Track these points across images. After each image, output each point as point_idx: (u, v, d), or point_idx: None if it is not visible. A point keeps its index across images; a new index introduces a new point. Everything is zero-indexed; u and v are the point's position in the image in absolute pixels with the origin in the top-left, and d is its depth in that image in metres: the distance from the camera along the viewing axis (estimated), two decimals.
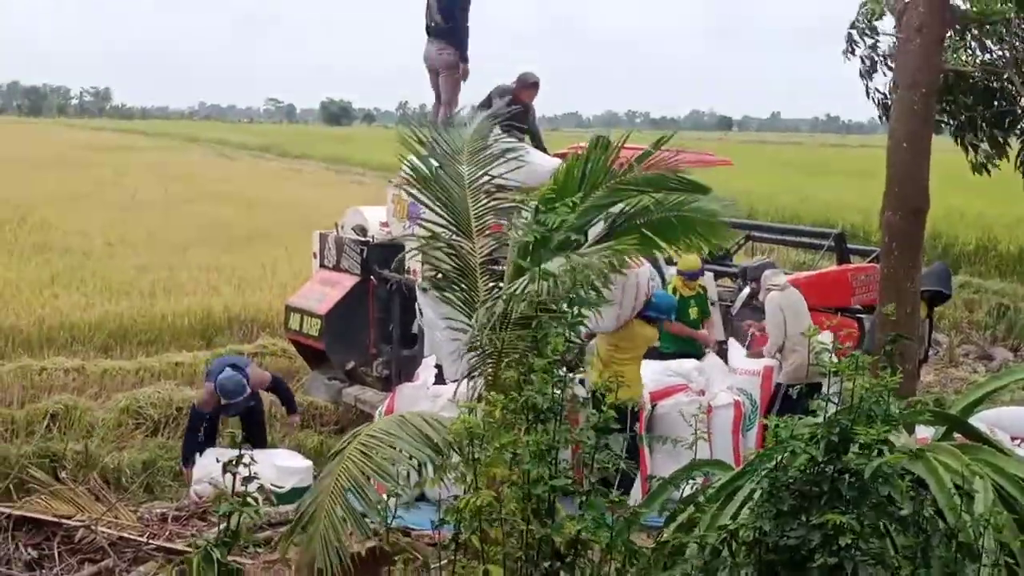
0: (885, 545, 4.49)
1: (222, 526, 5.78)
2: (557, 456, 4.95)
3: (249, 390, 10.02)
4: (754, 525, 4.52)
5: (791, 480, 4.53)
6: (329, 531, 5.43)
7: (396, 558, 5.31)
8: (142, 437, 11.19)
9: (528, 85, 12.92)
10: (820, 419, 4.73)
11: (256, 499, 5.55)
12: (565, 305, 6.15)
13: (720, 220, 7.76)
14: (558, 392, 5.09)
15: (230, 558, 7.67)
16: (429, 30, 12.75)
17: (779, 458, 4.61)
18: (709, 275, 12.78)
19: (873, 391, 4.80)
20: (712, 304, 12.43)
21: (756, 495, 4.76)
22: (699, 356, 11.09)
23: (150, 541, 7.82)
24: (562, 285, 6.17)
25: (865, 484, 4.42)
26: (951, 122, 15.50)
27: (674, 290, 11.59)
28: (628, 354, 9.79)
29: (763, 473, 4.70)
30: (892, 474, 4.47)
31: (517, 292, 6.26)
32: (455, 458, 5.58)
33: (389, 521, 5.59)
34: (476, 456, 4.90)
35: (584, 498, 4.87)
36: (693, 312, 11.58)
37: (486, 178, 7.74)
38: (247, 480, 5.56)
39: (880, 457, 4.44)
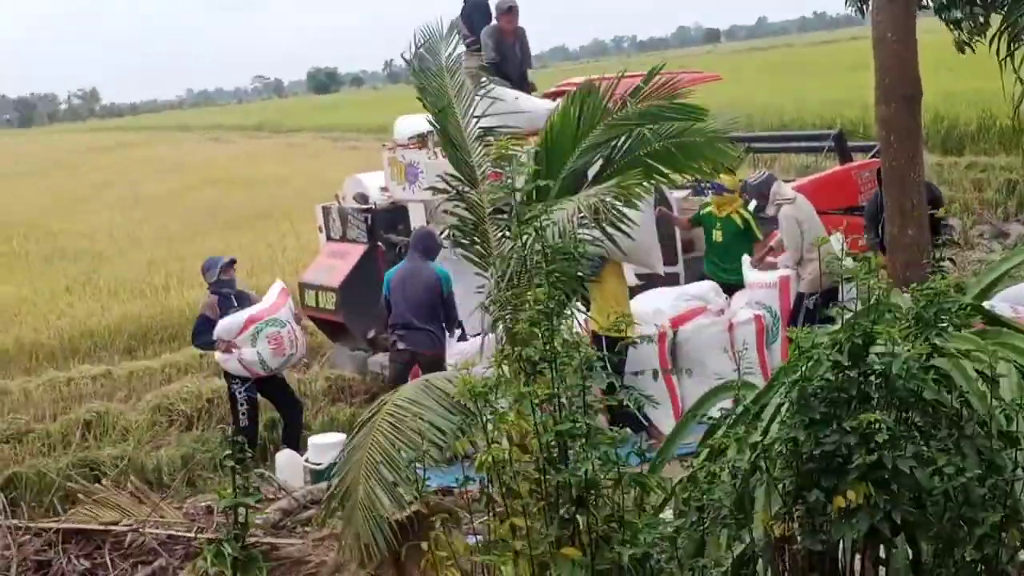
0: (922, 440, 4.51)
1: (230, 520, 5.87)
2: (559, 402, 4.97)
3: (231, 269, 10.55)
4: (788, 437, 4.53)
5: (819, 388, 4.54)
6: (367, 505, 5.48)
7: (434, 518, 5.37)
8: (177, 433, 11.29)
9: (504, 12, 12.89)
10: (839, 325, 4.74)
11: (258, 488, 5.65)
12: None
13: (723, 138, 7.71)
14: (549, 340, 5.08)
15: (279, 540, 7.81)
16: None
17: (803, 368, 4.62)
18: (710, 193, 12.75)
19: (886, 289, 4.79)
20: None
21: (784, 409, 4.78)
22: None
23: (199, 535, 7.91)
24: (569, 230, 6.14)
25: (892, 382, 4.44)
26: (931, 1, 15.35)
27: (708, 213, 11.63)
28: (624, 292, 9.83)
29: (790, 385, 4.70)
30: (918, 369, 4.47)
31: (526, 243, 6.23)
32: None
33: (422, 486, 5.65)
34: (487, 414, 4.94)
35: (584, 439, 4.89)
36: (717, 235, 11.56)
37: (482, 127, 7.72)
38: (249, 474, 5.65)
39: (900, 356, 4.44)
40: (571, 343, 5.00)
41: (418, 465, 5.54)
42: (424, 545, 5.23)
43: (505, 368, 5.12)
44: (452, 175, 7.52)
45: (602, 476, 4.68)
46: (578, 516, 4.70)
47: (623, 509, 4.80)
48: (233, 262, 10.81)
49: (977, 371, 4.81)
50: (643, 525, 4.62)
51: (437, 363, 9.86)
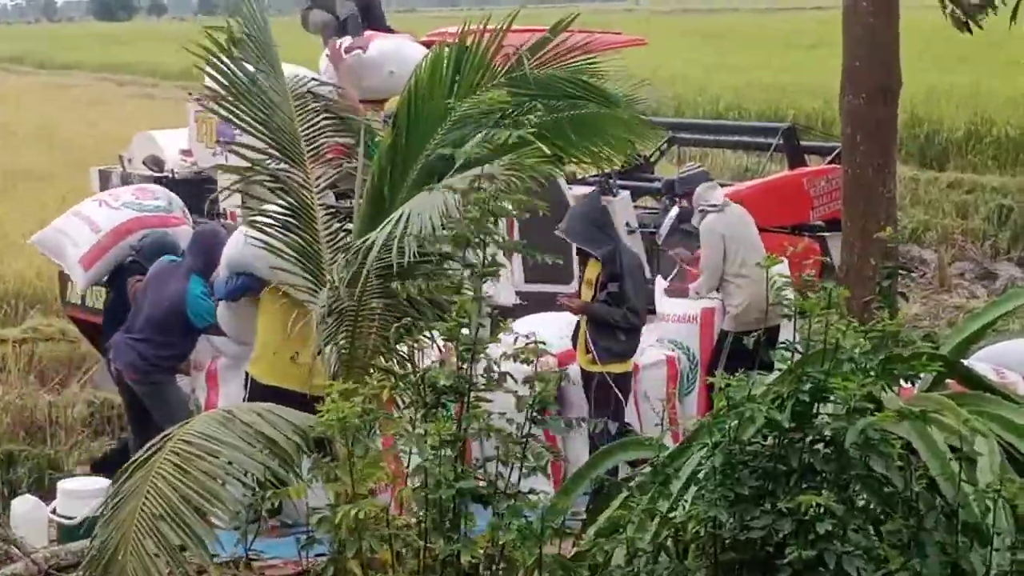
0: (867, 531, 4.58)
1: None
2: (464, 450, 4.99)
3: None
4: (706, 516, 4.55)
5: (750, 455, 4.56)
6: (139, 572, 5.39)
7: None
8: None
9: None
10: (781, 374, 4.78)
11: (16, 543, 5.55)
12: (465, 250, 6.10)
13: (640, 120, 7.80)
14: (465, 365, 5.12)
15: None
16: None
17: (731, 427, 4.64)
18: (625, 194, 12.86)
19: (851, 334, 4.83)
20: (631, 231, 12.52)
21: (703, 475, 4.80)
22: None
23: None
24: (450, 220, 6.12)
25: (846, 455, 4.47)
26: None
27: None
28: None
29: (713, 447, 4.72)
30: (879, 440, 4.52)
31: (387, 236, 6.20)
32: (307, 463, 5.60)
33: (247, 548, 5.61)
34: (354, 455, 4.93)
35: (511, 501, 4.92)
36: None
37: (317, 87, 7.70)
38: None
39: (862, 418, 4.49)
40: (499, 372, 5.01)
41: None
42: None
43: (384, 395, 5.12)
44: (261, 148, 7.49)
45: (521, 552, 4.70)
46: None
47: None
48: None
49: (949, 445, 4.91)
50: None
51: (155, 393, 9.98)
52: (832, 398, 4.63)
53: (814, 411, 4.65)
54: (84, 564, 5.85)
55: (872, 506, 4.66)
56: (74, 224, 10.85)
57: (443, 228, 6.08)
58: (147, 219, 10.74)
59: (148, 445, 6.02)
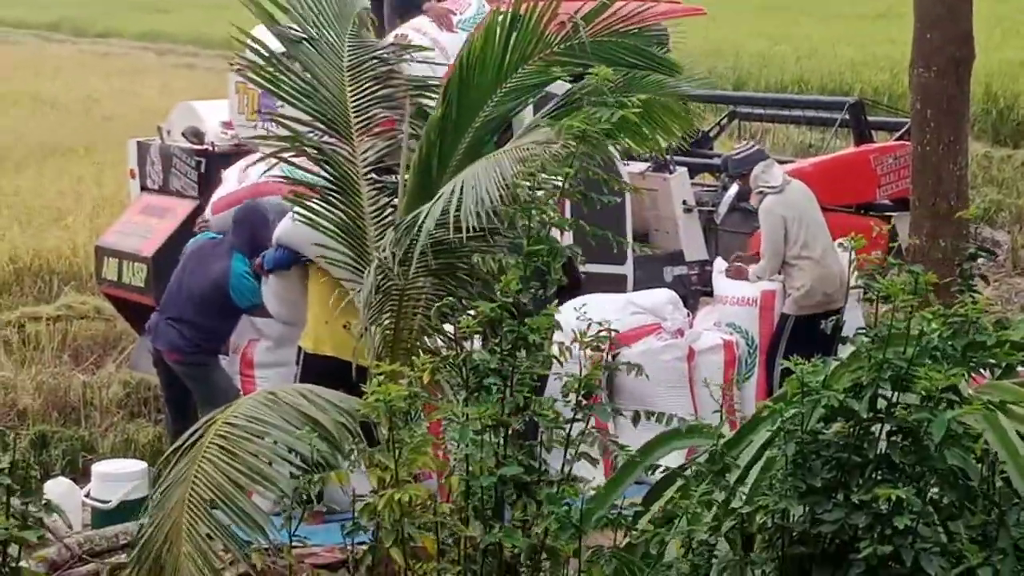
0: (941, 526, 4.54)
1: None
2: (507, 435, 4.99)
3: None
4: (775, 507, 4.52)
5: (824, 445, 4.52)
6: (196, 557, 5.43)
7: None
8: None
9: None
10: (857, 359, 4.73)
11: (40, 520, 5.58)
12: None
13: (688, 99, 7.78)
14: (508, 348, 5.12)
15: None
16: None
17: (806, 416, 4.59)
18: (682, 171, 12.83)
19: (936, 321, 4.78)
20: (687, 210, 12.49)
21: (772, 464, 4.78)
22: None
23: None
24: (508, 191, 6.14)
25: (925, 448, 4.43)
26: None
27: None
28: None
29: (780, 435, 4.69)
30: (963, 434, 4.48)
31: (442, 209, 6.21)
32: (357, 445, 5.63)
33: (291, 534, 5.67)
34: (407, 438, 4.94)
35: (557, 488, 4.92)
36: None
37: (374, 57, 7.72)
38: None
39: (947, 410, 4.44)
40: (544, 353, 5.01)
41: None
42: None
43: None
44: (307, 120, 7.51)
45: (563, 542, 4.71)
46: None
47: None
48: None
49: (1021, 436, 4.88)
50: None
51: (199, 376, 9.91)
52: (912, 387, 4.58)
53: (892, 400, 4.61)
54: (136, 552, 5.89)
55: (946, 500, 4.63)
56: (233, 168, 10.91)
57: (500, 201, 6.09)
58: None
59: (191, 431, 6.07)
